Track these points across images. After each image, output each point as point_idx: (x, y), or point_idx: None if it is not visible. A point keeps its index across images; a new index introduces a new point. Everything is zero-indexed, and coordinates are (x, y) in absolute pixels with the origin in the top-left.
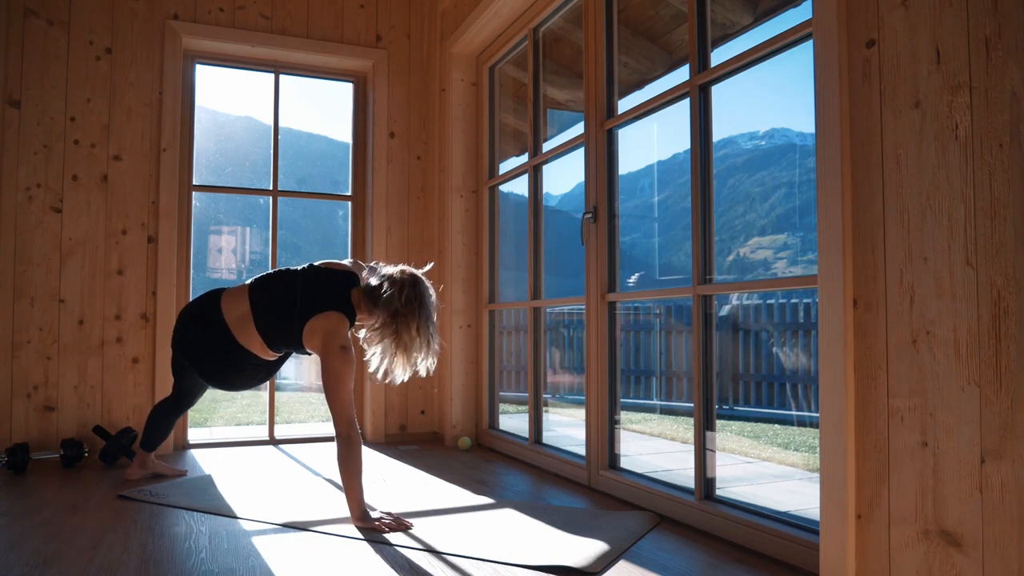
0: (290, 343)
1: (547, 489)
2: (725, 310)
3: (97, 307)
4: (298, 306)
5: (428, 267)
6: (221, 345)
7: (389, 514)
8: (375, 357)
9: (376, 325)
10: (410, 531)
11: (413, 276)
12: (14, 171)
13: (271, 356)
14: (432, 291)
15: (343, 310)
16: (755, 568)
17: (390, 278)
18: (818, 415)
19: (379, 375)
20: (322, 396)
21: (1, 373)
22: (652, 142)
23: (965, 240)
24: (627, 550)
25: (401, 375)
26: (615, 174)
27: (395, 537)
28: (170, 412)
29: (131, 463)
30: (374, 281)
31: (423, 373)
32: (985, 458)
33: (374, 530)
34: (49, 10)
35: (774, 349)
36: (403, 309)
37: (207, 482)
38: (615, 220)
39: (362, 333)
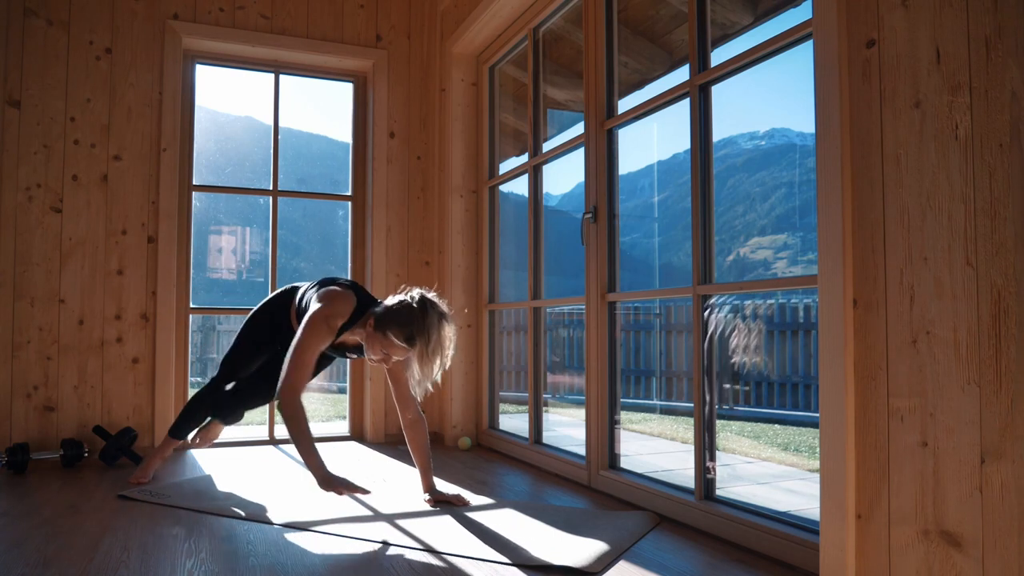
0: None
1: (547, 489)
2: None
3: (97, 307)
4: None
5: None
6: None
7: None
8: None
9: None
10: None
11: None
12: (14, 171)
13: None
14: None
15: (358, 296)
16: (755, 568)
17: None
18: (818, 415)
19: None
20: (321, 396)
21: (1, 373)
22: (652, 142)
23: (965, 240)
24: (627, 550)
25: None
26: (615, 174)
27: (395, 537)
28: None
29: (139, 464)
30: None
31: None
32: (985, 458)
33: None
34: (49, 10)
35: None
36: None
37: (207, 482)
38: (615, 220)
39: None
